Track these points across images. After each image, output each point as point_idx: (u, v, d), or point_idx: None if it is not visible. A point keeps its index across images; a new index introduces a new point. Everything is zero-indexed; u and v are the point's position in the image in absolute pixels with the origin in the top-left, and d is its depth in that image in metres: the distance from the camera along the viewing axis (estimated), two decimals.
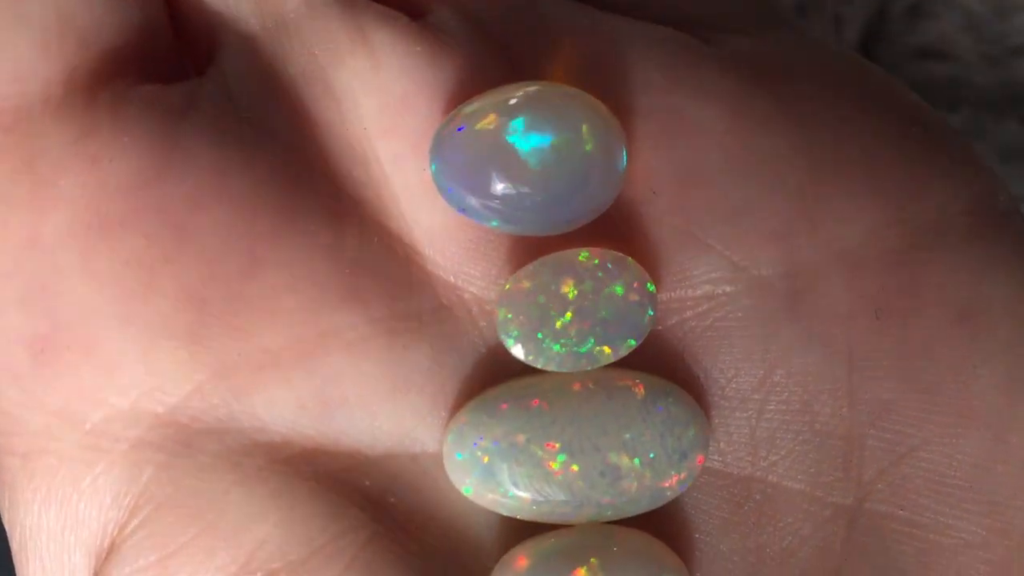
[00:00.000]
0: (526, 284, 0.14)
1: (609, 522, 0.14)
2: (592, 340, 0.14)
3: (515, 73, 0.15)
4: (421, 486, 0.15)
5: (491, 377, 0.15)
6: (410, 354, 0.14)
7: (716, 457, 0.15)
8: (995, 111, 0.26)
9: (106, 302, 0.14)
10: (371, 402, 0.14)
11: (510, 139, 0.14)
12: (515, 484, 0.14)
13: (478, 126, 0.14)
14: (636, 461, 0.14)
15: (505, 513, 0.14)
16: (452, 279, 0.15)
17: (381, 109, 0.15)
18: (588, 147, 0.14)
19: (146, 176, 0.14)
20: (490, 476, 0.14)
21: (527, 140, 0.14)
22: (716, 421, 0.15)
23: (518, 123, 0.14)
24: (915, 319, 0.15)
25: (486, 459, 0.14)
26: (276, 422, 0.14)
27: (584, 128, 0.14)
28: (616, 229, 0.15)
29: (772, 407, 0.15)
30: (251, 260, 0.14)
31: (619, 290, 0.14)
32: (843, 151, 0.15)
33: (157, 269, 0.14)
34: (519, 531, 0.15)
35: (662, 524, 0.15)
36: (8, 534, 0.15)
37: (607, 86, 0.15)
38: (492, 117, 0.14)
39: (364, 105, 0.15)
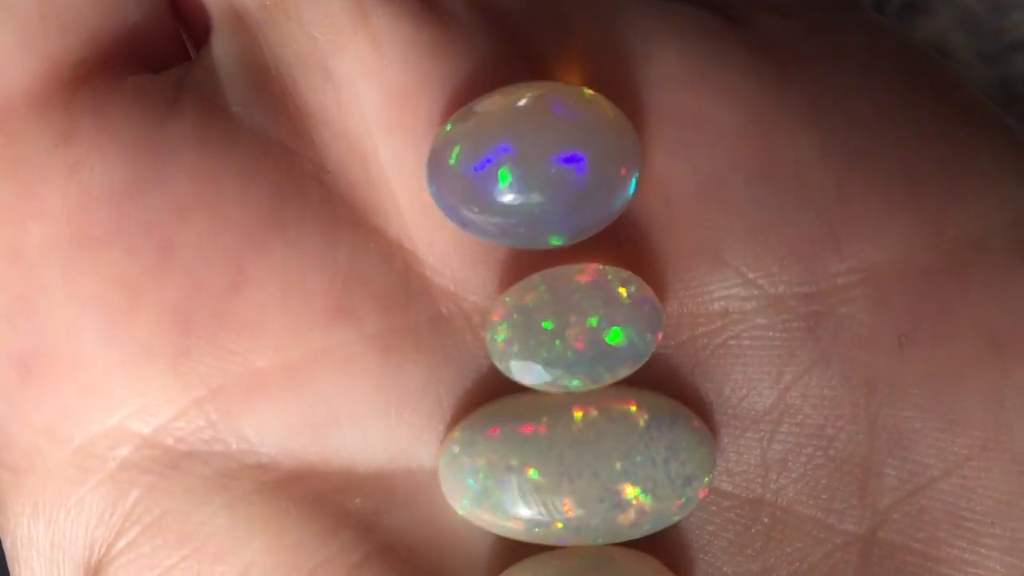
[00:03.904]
0: (520, 301, 0.13)
1: (610, 543, 0.14)
2: (589, 362, 0.13)
3: (527, 67, 0.14)
4: (417, 502, 0.14)
5: (491, 389, 0.14)
6: (405, 370, 0.14)
7: (724, 478, 0.14)
8: None
9: (90, 321, 0.13)
10: (363, 421, 0.14)
11: (514, 151, 0.13)
12: (510, 509, 0.14)
13: (476, 142, 0.13)
14: (637, 488, 0.13)
15: (502, 534, 0.14)
16: (452, 287, 0.14)
17: (383, 102, 0.14)
18: (596, 159, 0.13)
19: (129, 187, 0.13)
20: (485, 499, 0.14)
21: (530, 152, 0.13)
22: (726, 441, 0.14)
23: (521, 134, 0.13)
24: (945, 345, 0.14)
25: (480, 483, 0.14)
26: (264, 444, 0.14)
27: (592, 138, 0.13)
28: (628, 238, 0.14)
29: (785, 429, 0.14)
30: (237, 275, 0.13)
31: (621, 310, 0.13)
32: (878, 156, 0.14)
33: (141, 286, 0.13)
34: (518, 551, 0.14)
35: (665, 546, 0.14)
36: (2, 539, 0.15)
37: (623, 84, 0.14)
38: (493, 129, 0.13)
39: (365, 96, 0.14)
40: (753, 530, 0.14)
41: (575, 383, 0.13)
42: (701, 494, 0.14)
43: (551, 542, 0.14)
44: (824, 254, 0.14)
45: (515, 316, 0.13)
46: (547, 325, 0.13)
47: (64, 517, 0.14)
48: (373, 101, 0.14)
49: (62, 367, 0.14)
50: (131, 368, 0.14)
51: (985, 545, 0.14)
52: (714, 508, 0.14)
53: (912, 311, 0.14)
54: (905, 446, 0.14)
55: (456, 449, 0.14)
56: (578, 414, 0.14)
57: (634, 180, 0.13)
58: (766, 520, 0.14)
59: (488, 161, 0.13)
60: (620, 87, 0.14)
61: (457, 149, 0.13)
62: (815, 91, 0.14)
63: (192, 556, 0.13)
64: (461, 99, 0.14)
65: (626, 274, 0.14)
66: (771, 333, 0.14)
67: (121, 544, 0.14)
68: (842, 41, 0.15)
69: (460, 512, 0.14)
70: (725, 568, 0.14)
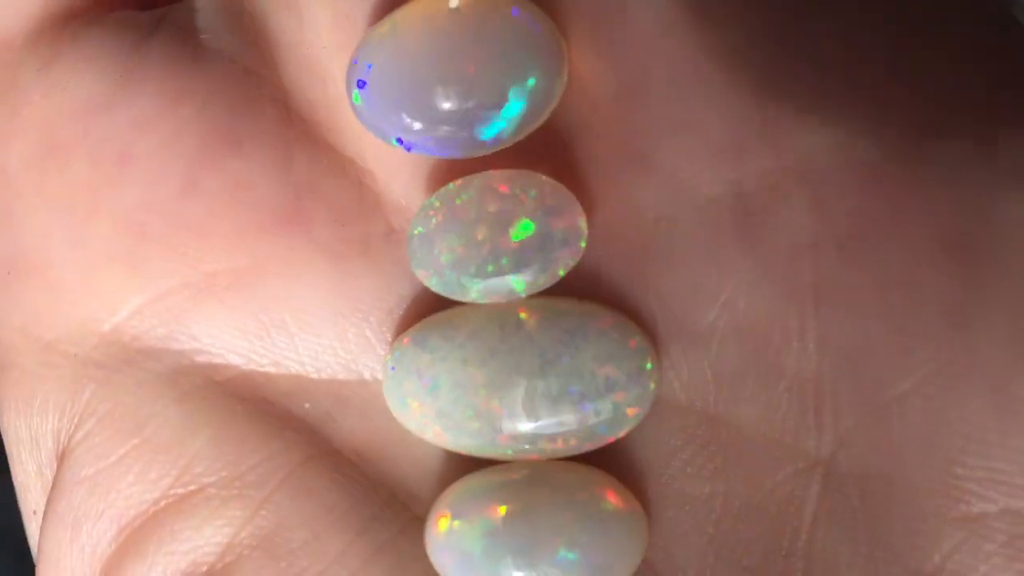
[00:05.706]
0: (440, 211, 0.13)
1: (563, 458, 0.14)
2: (512, 269, 0.13)
3: None
4: (368, 412, 0.14)
5: (442, 303, 0.14)
6: (355, 280, 0.14)
7: (680, 392, 0.14)
8: None
9: (57, 226, 0.14)
10: (313, 327, 0.14)
11: (436, 60, 0.13)
12: (447, 417, 0.13)
13: (400, 47, 0.13)
14: (570, 390, 0.13)
15: (443, 445, 0.14)
16: (403, 202, 0.14)
17: (335, 24, 0.14)
18: (522, 60, 0.13)
19: (97, 102, 0.14)
20: (424, 408, 0.14)
21: (454, 56, 0.13)
22: (676, 354, 0.13)
23: (445, 38, 0.13)
24: (895, 249, 0.12)
25: (419, 392, 0.14)
26: (214, 344, 0.14)
27: (520, 35, 0.13)
28: (557, 146, 0.14)
29: (731, 345, 0.13)
30: (189, 183, 0.14)
31: (542, 217, 0.13)
32: (811, 42, 0.13)
33: (101, 193, 0.14)
34: (468, 467, 0.14)
35: (621, 462, 0.14)
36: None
37: None
38: (417, 34, 0.13)
39: (321, 19, 0.14)
40: (711, 448, 0.13)
41: (498, 293, 0.13)
42: (651, 389, 0.13)
43: (494, 454, 0.14)
44: (757, 148, 0.13)
45: (432, 225, 0.13)
46: (464, 232, 0.13)
47: (35, 411, 0.15)
48: (327, 25, 0.14)
49: (34, 270, 0.15)
50: (89, 270, 0.14)
51: (959, 476, 0.12)
52: (670, 424, 0.14)
53: (856, 211, 0.12)
54: (861, 363, 0.13)
55: (396, 360, 0.14)
56: (514, 317, 0.13)
57: (533, 80, 0.13)
58: (723, 439, 0.13)
59: (405, 73, 0.13)
60: None
61: (374, 68, 0.13)
62: None
63: (143, 445, 0.14)
64: None
65: (542, 179, 0.13)
66: (706, 239, 0.13)
67: (79, 435, 0.14)
68: None
69: (401, 421, 0.14)
70: (683, 487, 0.14)
